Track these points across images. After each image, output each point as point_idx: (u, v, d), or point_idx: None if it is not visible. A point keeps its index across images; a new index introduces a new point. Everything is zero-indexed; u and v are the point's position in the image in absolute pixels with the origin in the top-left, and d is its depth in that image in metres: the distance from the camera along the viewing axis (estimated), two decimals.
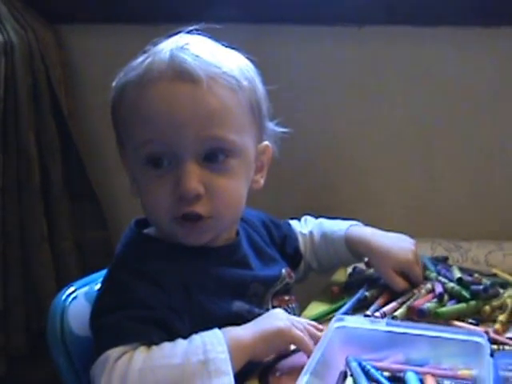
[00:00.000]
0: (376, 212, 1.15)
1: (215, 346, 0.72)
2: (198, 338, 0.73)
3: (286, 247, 1.00)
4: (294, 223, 1.05)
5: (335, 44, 1.32)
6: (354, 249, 0.99)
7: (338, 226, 1.02)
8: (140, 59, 0.82)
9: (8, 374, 1.28)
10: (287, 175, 1.34)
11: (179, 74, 0.77)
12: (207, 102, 0.77)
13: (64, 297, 0.84)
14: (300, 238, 1.03)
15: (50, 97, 1.36)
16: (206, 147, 0.78)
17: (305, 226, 1.05)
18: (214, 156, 0.79)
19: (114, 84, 0.84)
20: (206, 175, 0.78)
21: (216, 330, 0.75)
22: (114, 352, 0.71)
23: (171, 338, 0.74)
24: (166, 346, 0.72)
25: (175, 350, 0.71)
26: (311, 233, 1.03)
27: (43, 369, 1.10)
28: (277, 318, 0.78)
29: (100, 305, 0.78)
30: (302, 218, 1.07)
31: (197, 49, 0.80)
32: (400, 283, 0.95)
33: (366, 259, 1.01)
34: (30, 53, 1.34)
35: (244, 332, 0.76)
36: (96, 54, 1.41)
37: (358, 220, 1.04)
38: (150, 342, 0.72)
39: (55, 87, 1.37)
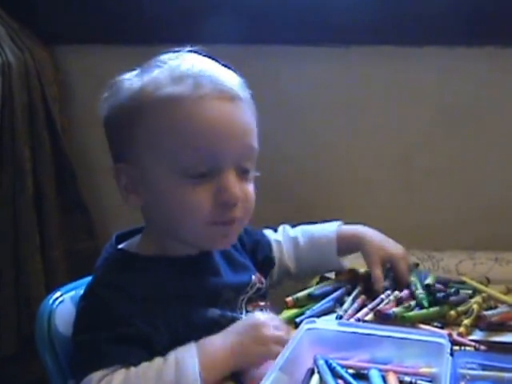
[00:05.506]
0: (354, 222, 1.18)
1: (187, 364, 0.74)
2: (172, 357, 0.75)
3: (258, 253, 1.02)
4: (268, 232, 1.07)
5: (323, 64, 1.35)
6: (346, 243, 1.03)
7: (326, 227, 1.06)
8: (161, 75, 0.82)
9: None
10: (275, 187, 1.37)
11: (222, 93, 0.81)
12: (243, 118, 0.83)
13: (51, 301, 0.86)
14: (274, 245, 1.05)
15: (45, 114, 1.39)
16: (243, 157, 0.83)
17: (282, 234, 1.07)
18: (248, 165, 0.84)
19: (127, 95, 0.83)
20: (241, 183, 0.83)
21: (192, 347, 0.76)
22: (95, 375, 0.73)
23: (150, 352, 0.76)
24: (143, 367, 0.74)
25: (151, 372, 0.73)
26: (296, 238, 1.06)
27: (32, 370, 1.13)
28: (256, 340, 0.78)
29: (81, 322, 0.80)
30: (280, 227, 1.09)
31: (219, 71, 0.85)
32: (379, 279, 0.98)
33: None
34: (27, 72, 1.36)
35: (221, 346, 0.77)
36: (89, 73, 1.43)
37: None
38: (130, 363, 0.74)
39: (50, 105, 1.40)
